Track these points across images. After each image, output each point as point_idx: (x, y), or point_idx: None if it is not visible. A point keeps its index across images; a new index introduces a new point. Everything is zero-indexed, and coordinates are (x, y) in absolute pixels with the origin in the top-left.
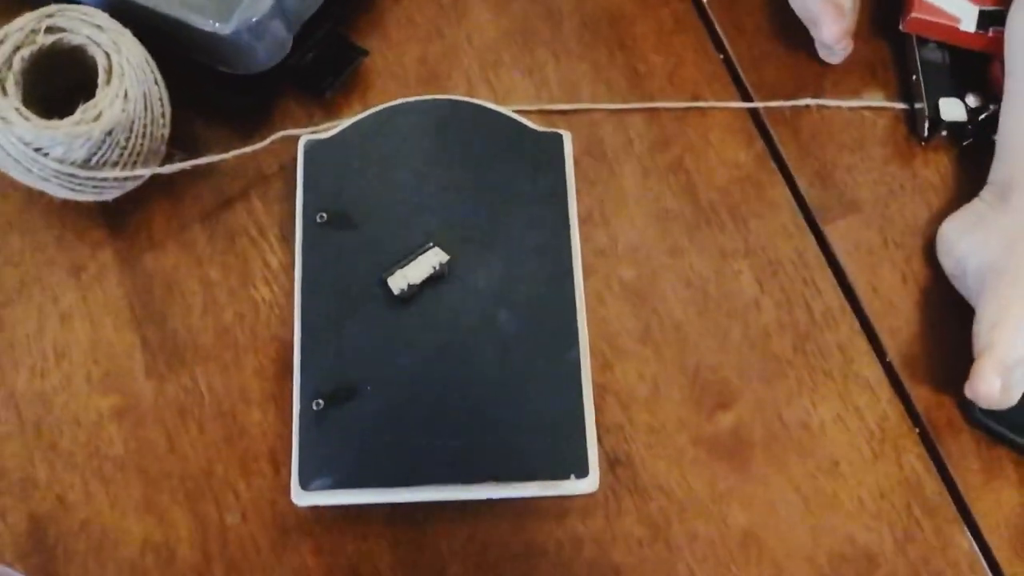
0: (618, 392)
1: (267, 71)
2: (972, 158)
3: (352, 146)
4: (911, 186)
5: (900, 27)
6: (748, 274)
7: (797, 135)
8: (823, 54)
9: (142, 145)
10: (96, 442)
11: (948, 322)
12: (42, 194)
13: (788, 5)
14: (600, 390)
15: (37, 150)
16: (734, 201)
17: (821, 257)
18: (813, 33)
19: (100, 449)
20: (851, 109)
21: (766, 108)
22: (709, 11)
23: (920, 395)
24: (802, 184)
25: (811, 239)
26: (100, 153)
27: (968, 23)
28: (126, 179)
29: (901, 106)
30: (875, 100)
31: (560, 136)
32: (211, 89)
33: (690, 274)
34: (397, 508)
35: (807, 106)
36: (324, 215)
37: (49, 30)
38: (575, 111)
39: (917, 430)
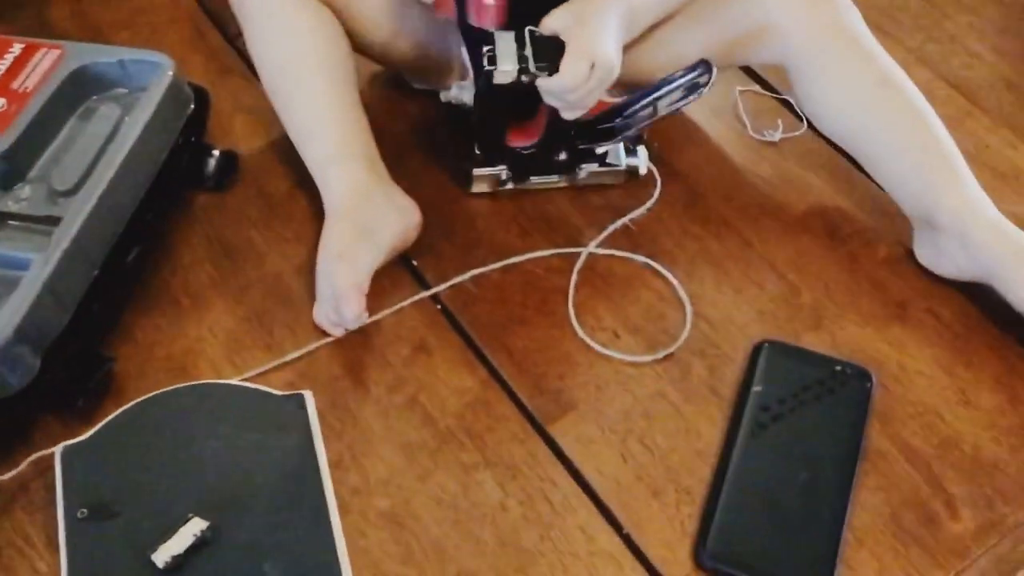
0: None
1: (18, 392)
2: None
3: (107, 443)
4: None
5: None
6: (491, 482)
7: (512, 355)
8: (335, 328)
9: None
10: None
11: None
12: None
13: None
14: None
15: None
16: (467, 422)
17: (551, 454)
18: (335, 311)
19: None
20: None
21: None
22: None
23: (657, 555)
24: (523, 396)
25: (540, 441)
26: None
27: None
28: None
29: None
30: None
31: (301, 396)
32: None
33: (440, 493)
34: None
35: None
36: (84, 511)
37: None
38: (308, 354)
39: None
